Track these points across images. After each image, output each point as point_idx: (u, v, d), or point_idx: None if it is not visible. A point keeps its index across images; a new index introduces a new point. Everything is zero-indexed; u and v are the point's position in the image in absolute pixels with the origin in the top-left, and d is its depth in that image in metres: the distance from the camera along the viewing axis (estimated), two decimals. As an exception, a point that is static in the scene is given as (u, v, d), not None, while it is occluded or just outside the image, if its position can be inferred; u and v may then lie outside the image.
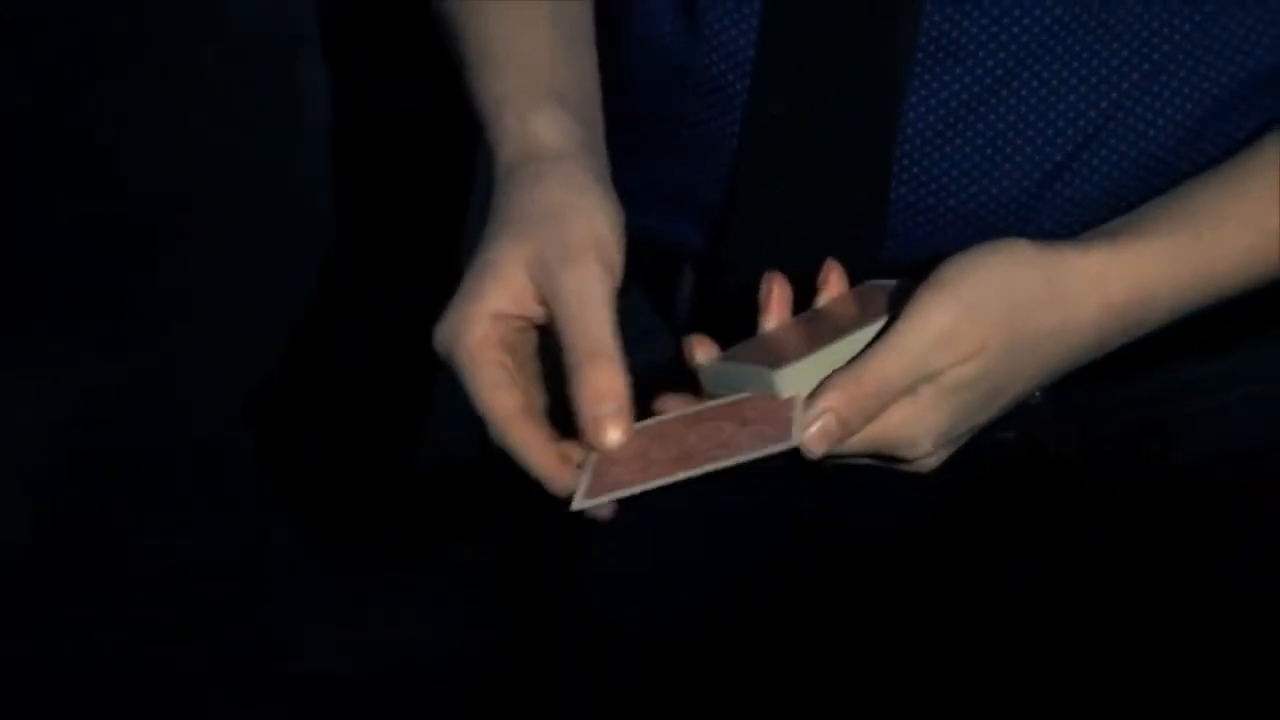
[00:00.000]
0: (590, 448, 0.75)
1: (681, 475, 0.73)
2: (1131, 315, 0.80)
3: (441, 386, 1.95)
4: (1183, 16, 0.84)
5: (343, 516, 2.16)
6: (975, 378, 0.76)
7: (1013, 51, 0.84)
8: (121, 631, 2.01)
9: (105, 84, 2.56)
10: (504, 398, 0.76)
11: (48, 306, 2.36)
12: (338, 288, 2.25)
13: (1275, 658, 0.97)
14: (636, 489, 0.73)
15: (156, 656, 1.99)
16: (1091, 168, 0.86)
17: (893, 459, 0.79)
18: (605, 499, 0.73)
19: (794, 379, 0.76)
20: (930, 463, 0.80)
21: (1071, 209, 0.87)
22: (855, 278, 0.83)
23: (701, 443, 0.75)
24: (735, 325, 0.81)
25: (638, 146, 0.93)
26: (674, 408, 0.79)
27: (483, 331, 0.77)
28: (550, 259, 0.77)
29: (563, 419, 0.78)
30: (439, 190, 2.18)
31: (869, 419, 0.75)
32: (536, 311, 0.78)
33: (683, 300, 0.98)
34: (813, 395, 0.75)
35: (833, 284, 0.81)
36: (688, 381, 0.80)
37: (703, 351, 0.80)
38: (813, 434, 0.73)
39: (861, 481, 0.85)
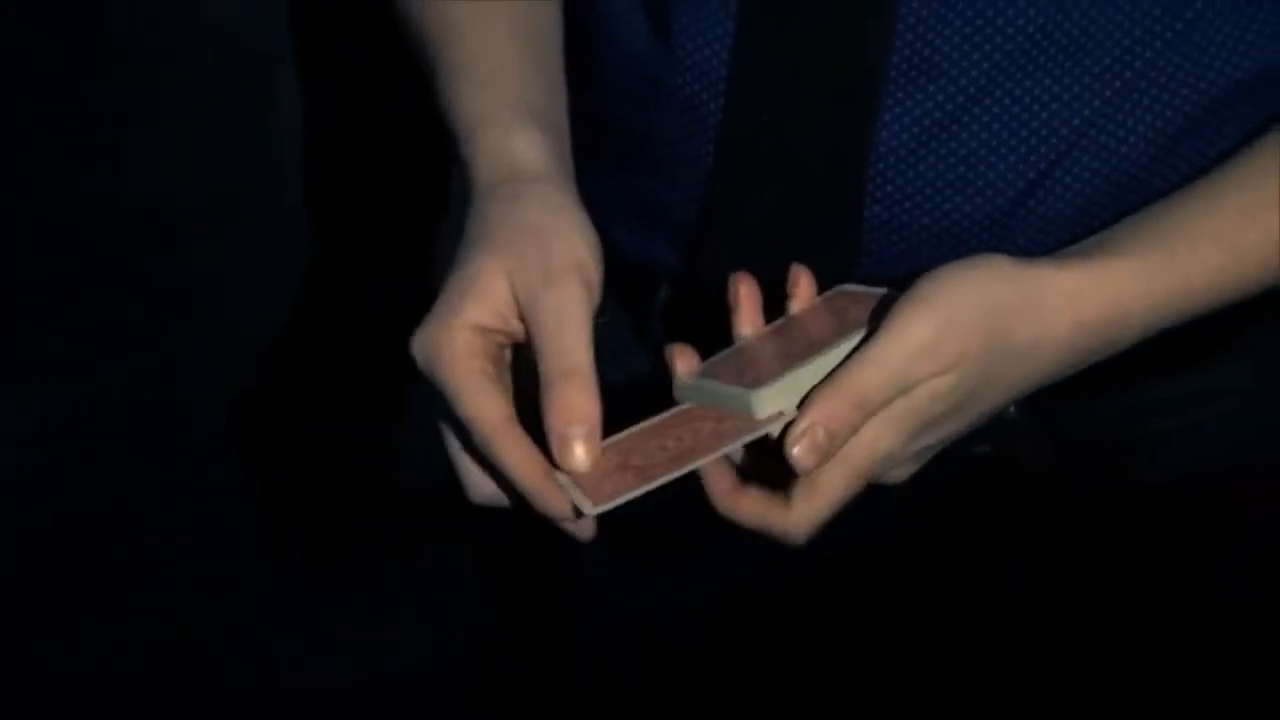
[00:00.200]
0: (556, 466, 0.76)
1: (678, 472, 0.74)
2: (1106, 333, 0.80)
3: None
4: (1162, 26, 0.84)
5: (341, 516, 2.17)
6: (949, 389, 0.76)
7: (985, 70, 0.84)
8: (121, 631, 2.02)
9: (105, 85, 2.56)
10: (491, 406, 0.76)
11: (47, 307, 2.36)
12: (326, 287, 2.26)
13: (1266, 660, 0.98)
14: (641, 490, 0.74)
15: (156, 656, 1.99)
16: (1065, 185, 0.86)
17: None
18: (617, 502, 0.74)
19: (771, 400, 0.76)
20: (900, 474, 0.80)
21: (1045, 226, 0.87)
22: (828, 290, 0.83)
23: (688, 441, 0.76)
24: (710, 341, 0.81)
25: (613, 164, 0.93)
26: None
27: (465, 341, 0.77)
28: (532, 278, 0.77)
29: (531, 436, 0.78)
30: (418, 192, 2.19)
31: (853, 431, 0.75)
32: (515, 327, 0.78)
33: (658, 316, 0.98)
34: (801, 409, 0.75)
35: (802, 288, 0.82)
36: (663, 396, 0.81)
37: (683, 362, 0.80)
38: (803, 449, 0.74)
39: None
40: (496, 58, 0.87)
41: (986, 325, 0.76)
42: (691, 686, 1.06)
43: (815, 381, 0.76)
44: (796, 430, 0.74)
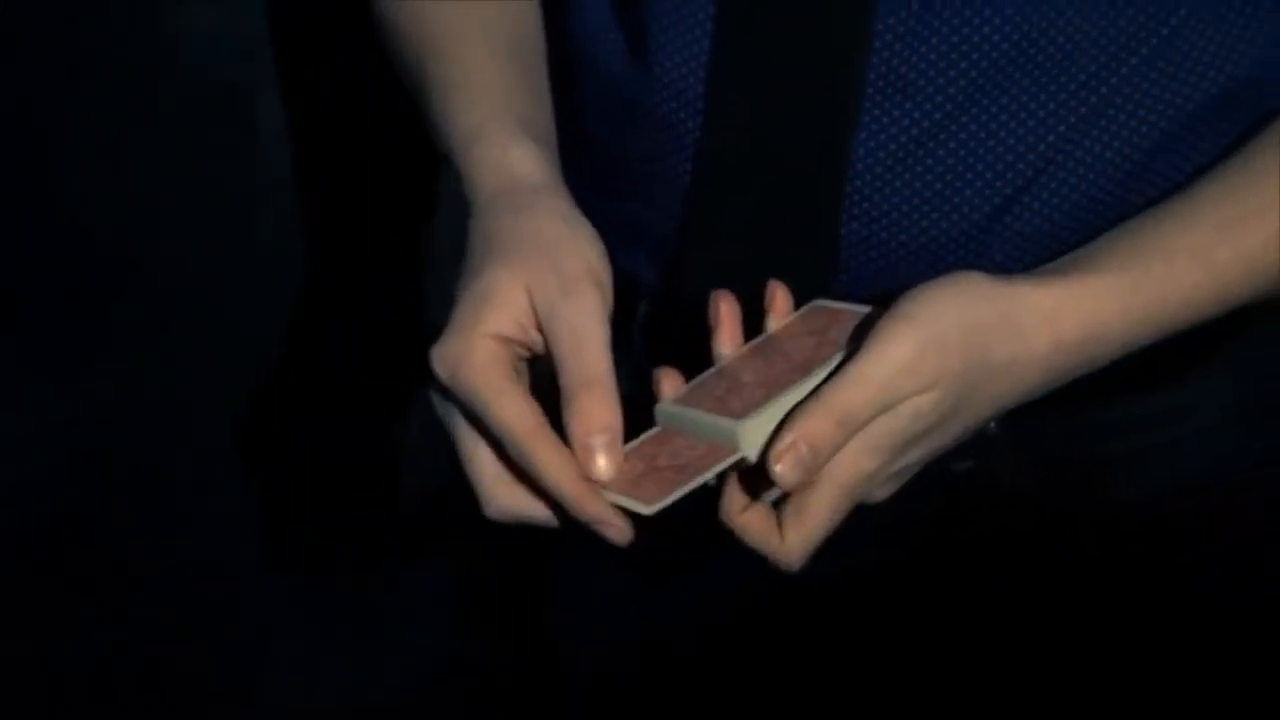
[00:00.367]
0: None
1: (718, 466, 0.75)
2: (1085, 350, 0.80)
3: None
4: (1137, 43, 0.84)
5: (342, 517, 2.17)
6: (931, 407, 0.76)
7: (961, 87, 0.84)
8: (121, 631, 2.02)
9: (105, 84, 2.56)
10: (523, 412, 0.76)
11: (47, 307, 2.36)
12: (326, 287, 2.26)
13: (1245, 675, 0.98)
14: (690, 485, 0.75)
15: (156, 657, 2.00)
16: (1041, 201, 0.86)
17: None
18: (670, 499, 0.74)
19: (755, 430, 0.76)
20: (883, 493, 0.80)
21: (1022, 242, 0.87)
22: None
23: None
24: (691, 360, 0.81)
25: (592, 182, 0.93)
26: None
27: (489, 351, 0.77)
28: (549, 287, 0.77)
29: None
30: (411, 188, 2.19)
31: (836, 449, 0.75)
32: (534, 337, 0.78)
33: (639, 332, 0.98)
34: (780, 427, 0.75)
35: (779, 305, 0.82)
36: (645, 412, 0.81)
37: (669, 384, 0.80)
38: (785, 465, 0.74)
39: None
40: (494, 78, 0.87)
41: (966, 344, 0.76)
42: (691, 687, 1.06)
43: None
44: (779, 446, 0.74)
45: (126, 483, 2.18)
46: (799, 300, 0.83)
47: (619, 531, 0.76)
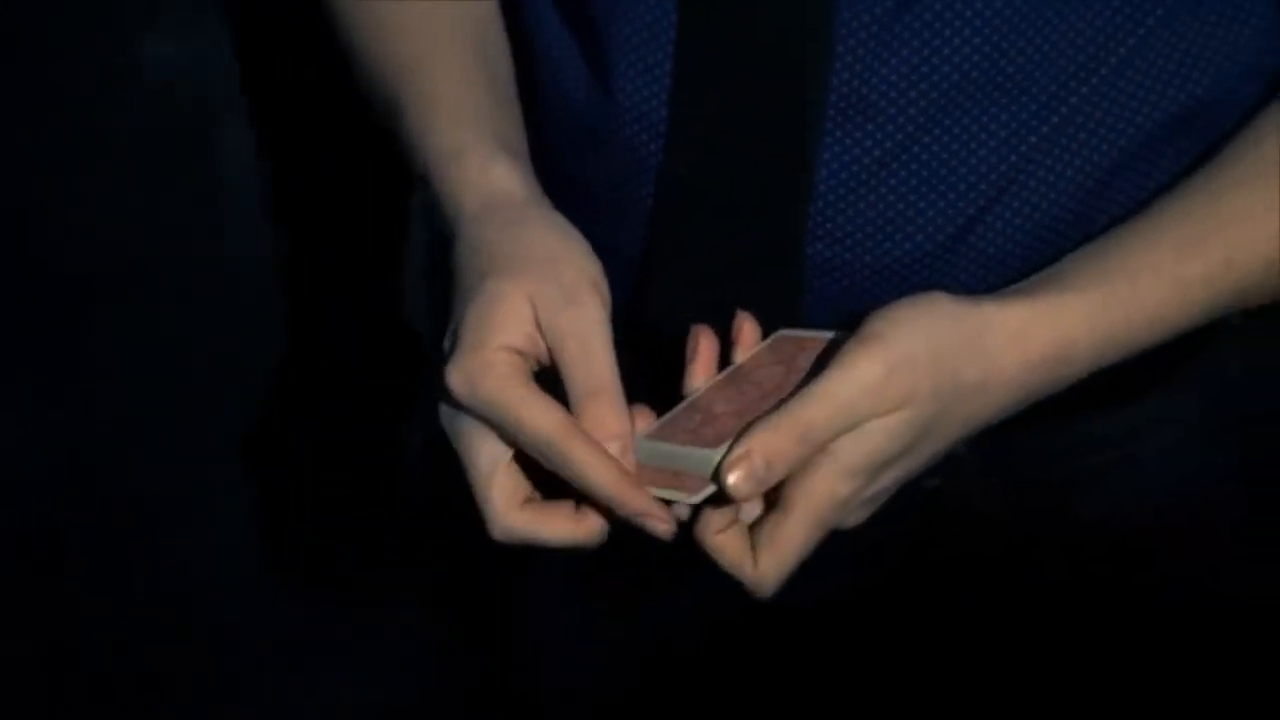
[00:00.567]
0: None
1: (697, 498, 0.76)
2: (1053, 371, 0.79)
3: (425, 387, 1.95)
4: (1096, 63, 0.84)
5: (342, 518, 2.17)
6: (904, 427, 0.76)
7: (923, 108, 0.84)
8: (121, 632, 2.02)
9: (103, 82, 2.57)
10: (553, 415, 0.76)
11: (47, 307, 2.37)
12: (326, 287, 2.26)
13: (1209, 692, 0.98)
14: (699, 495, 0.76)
15: (156, 657, 2.00)
16: (1004, 220, 0.86)
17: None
18: (712, 489, 0.75)
19: None
20: (855, 519, 0.80)
21: (986, 262, 0.87)
22: (773, 332, 0.83)
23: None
24: (657, 383, 0.81)
25: (556, 205, 0.93)
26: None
27: (505, 362, 0.77)
28: (552, 298, 0.77)
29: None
30: (386, 191, 2.20)
31: (792, 465, 0.74)
32: (542, 349, 0.78)
33: None
34: (737, 438, 0.75)
35: (745, 335, 0.82)
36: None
37: (641, 421, 0.80)
38: (738, 476, 0.73)
39: None
40: (471, 99, 0.87)
41: (935, 366, 0.76)
42: (691, 687, 1.06)
43: None
44: (733, 456, 0.73)
45: (126, 483, 2.19)
46: (764, 324, 0.83)
47: (664, 523, 0.75)
